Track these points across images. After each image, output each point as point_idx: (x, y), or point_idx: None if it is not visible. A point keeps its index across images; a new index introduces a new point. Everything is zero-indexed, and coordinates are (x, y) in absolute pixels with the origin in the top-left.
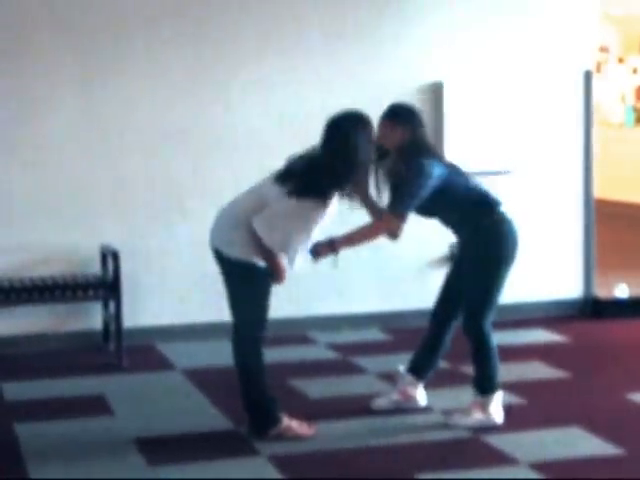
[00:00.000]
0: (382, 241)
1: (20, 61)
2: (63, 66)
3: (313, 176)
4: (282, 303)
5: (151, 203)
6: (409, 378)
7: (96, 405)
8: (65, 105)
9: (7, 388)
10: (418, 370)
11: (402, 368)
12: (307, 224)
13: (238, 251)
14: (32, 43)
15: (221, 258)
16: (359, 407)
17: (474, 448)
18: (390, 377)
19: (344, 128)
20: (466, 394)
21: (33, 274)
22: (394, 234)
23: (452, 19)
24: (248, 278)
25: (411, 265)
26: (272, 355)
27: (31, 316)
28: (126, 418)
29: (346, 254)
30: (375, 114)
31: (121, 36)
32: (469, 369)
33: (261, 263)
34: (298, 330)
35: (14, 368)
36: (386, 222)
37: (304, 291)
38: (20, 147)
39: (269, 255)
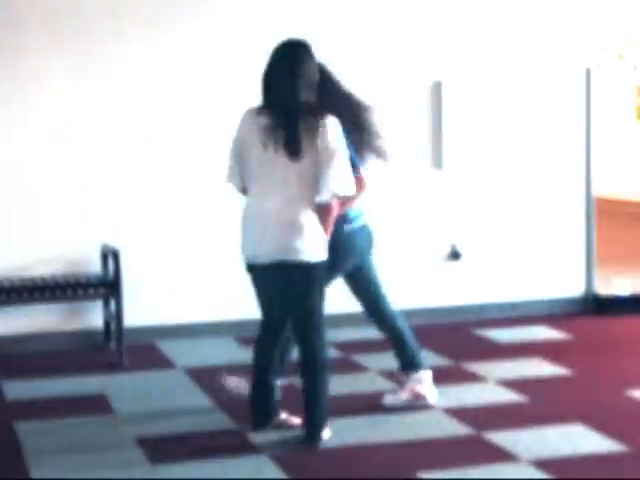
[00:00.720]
0: (382, 239)
1: None
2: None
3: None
4: None
5: (151, 202)
6: (416, 376)
7: (97, 404)
8: (63, 104)
9: (8, 387)
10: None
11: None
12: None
13: (311, 253)
14: None
15: (285, 267)
16: (361, 405)
17: (475, 445)
18: (392, 375)
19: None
20: (468, 391)
21: (34, 273)
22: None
23: (450, 17)
24: (320, 277)
25: (412, 263)
26: None
27: (32, 315)
28: (127, 417)
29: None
30: (377, 113)
31: None
32: (471, 366)
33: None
34: None
35: (15, 367)
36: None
37: None
38: (18, 149)
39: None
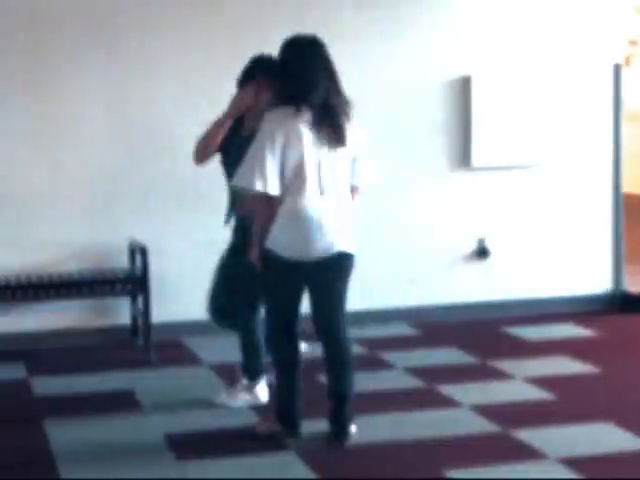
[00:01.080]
0: (410, 235)
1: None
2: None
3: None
4: (307, 299)
5: (179, 199)
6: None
7: (125, 400)
8: (92, 100)
9: (36, 383)
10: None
11: None
12: None
13: (354, 244)
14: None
15: (340, 258)
16: (387, 402)
17: (503, 443)
18: (420, 372)
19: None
20: (496, 388)
21: (62, 270)
22: None
23: (480, 12)
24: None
25: (439, 259)
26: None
27: (60, 312)
28: (155, 413)
29: (373, 248)
30: (405, 109)
31: None
32: (498, 364)
33: None
34: None
35: (43, 363)
36: None
37: None
38: (48, 145)
39: None
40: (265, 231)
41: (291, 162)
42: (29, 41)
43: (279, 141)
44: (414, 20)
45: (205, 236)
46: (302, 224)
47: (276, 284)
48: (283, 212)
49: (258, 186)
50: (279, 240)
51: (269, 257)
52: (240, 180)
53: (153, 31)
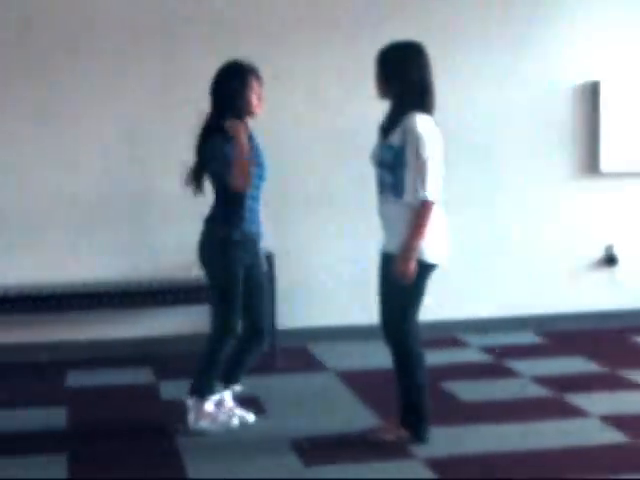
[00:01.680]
0: (537, 241)
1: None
2: None
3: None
4: (433, 306)
5: (304, 205)
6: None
7: (250, 405)
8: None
9: (164, 387)
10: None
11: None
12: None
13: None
14: None
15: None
16: (514, 411)
17: (634, 454)
18: (545, 381)
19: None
20: (625, 398)
21: (189, 275)
22: None
23: (608, 17)
24: None
25: (566, 266)
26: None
27: (187, 316)
28: (280, 418)
29: (498, 256)
30: (533, 113)
31: None
32: (627, 373)
33: None
34: (449, 333)
35: (170, 368)
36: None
37: (455, 293)
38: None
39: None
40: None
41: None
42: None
43: (439, 150)
44: (543, 26)
45: (331, 242)
46: (444, 229)
47: (423, 290)
48: (440, 219)
49: (435, 196)
50: (438, 246)
51: (425, 265)
52: (432, 194)
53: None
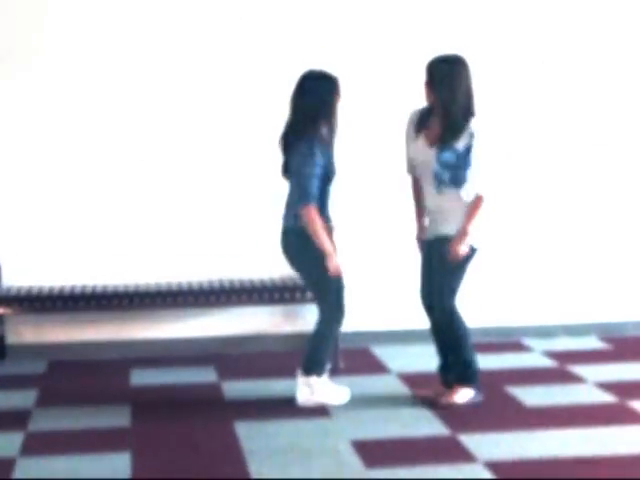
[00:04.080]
0: (599, 247)
1: None
2: None
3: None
4: (497, 311)
5: (347, 208)
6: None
7: (312, 406)
8: None
9: (227, 387)
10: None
11: None
12: None
13: None
14: None
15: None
16: (577, 416)
17: None
18: (610, 387)
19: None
20: None
21: (252, 276)
22: None
23: None
24: None
25: (630, 273)
26: (487, 362)
27: (250, 316)
28: (343, 420)
29: (561, 261)
30: None
31: None
32: None
33: None
34: (513, 337)
35: (233, 368)
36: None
37: (518, 298)
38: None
39: None
40: None
41: None
42: None
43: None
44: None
45: (395, 248)
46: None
47: (466, 270)
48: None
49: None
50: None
51: (473, 249)
52: (485, 190)
53: None
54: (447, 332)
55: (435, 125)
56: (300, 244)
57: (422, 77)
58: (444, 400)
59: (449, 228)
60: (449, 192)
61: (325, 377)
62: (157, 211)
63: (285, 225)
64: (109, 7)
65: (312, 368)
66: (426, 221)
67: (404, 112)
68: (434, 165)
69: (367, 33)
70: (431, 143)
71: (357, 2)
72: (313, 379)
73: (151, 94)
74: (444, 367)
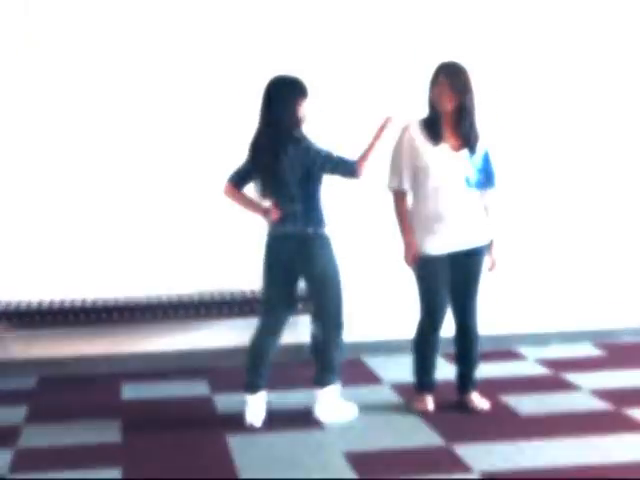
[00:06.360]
0: (592, 254)
1: None
2: None
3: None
4: (491, 319)
5: (345, 214)
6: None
7: (305, 418)
8: None
9: (219, 400)
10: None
11: None
12: None
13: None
14: None
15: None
16: (573, 425)
17: None
18: (605, 395)
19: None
20: None
21: (245, 287)
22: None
23: None
24: None
25: (624, 280)
26: (481, 371)
27: (242, 329)
28: (336, 431)
29: (554, 268)
30: None
31: None
32: None
33: None
34: (507, 345)
35: (225, 380)
36: None
37: (512, 306)
38: None
39: None
40: None
41: None
42: None
43: None
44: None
45: (389, 258)
46: None
47: None
48: None
49: None
50: None
51: None
52: None
53: None
54: (476, 345)
55: (455, 131)
56: (320, 250)
57: (420, 84)
58: (476, 405)
59: (480, 238)
60: (476, 196)
61: (339, 386)
62: (146, 224)
63: (297, 231)
64: (109, 7)
65: (330, 378)
66: (432, 234)
67: (403, 121)
68: (466, 169)
69: (365, 39)
70: (458, 148)
71: (352, 6)
72: (332, 388)
73: (137, 118)
74: (463, 375)
